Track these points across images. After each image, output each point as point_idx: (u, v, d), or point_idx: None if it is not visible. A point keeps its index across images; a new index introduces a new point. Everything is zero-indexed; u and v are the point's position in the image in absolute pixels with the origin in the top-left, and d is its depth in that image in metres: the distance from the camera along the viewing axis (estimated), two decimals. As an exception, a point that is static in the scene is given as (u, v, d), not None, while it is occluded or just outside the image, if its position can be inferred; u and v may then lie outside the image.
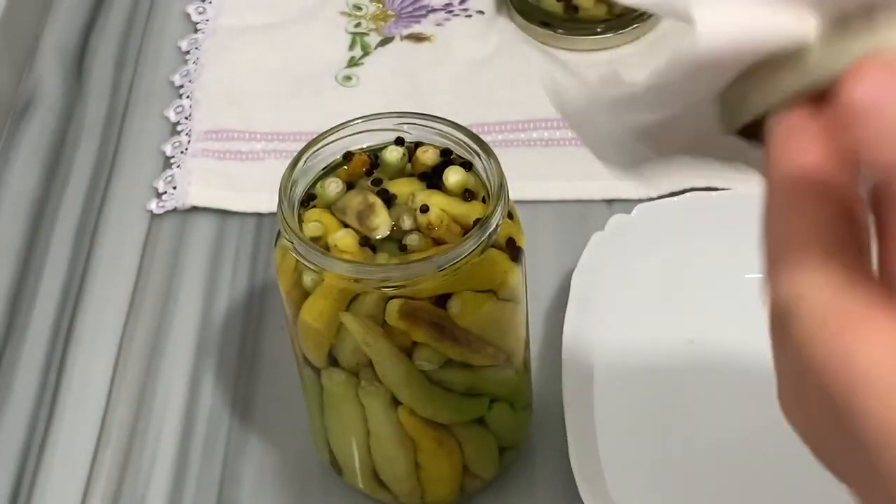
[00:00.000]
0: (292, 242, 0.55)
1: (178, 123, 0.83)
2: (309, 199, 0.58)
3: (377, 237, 0.56)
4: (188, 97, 0.84)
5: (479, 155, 0.58)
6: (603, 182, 0.78)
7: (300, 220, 0.57)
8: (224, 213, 0.78)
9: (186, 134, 0.82)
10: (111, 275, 0.75)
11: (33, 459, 0.67)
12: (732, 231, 0.72)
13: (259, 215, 0.78)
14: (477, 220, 0.56)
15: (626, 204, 0.75)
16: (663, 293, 0.71)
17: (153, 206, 0.78)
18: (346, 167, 0.59)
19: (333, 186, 0.58)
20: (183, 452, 0.67)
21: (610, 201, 0.77)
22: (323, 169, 0.59)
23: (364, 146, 0.59)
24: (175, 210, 0.78)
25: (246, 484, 0.66)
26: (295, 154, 0.58)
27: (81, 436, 0.68)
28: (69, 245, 0.77)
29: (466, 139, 0.58)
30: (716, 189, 0.75)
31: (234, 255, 0.76)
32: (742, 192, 0.74)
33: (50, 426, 0.68)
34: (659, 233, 0.72)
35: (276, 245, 0.58)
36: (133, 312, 0.73)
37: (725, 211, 0.72)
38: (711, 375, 0.68)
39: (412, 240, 0.56)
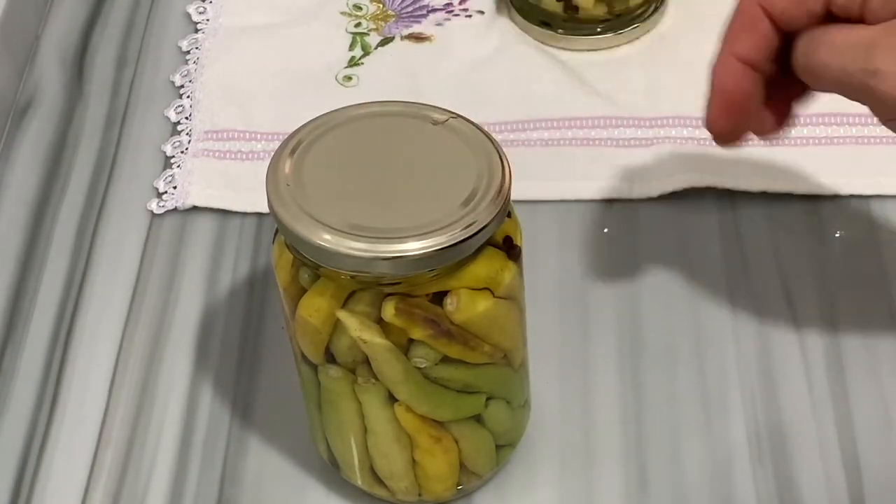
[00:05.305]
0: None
1: (178, 123, 0.83)
2: None
3: None
4: (188, 97, 0.84)
5: None
6: (603, 182, 0.78)
7: None
8: (224, 213, 0.78)
9: (187, 134, 0.82)
10: (111, 275, 0.75)
11: (34, 459, 0.67)
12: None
13: (259, 215, 0.78)
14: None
15: (626, 204, 0.75)
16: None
17: (153, 205, 0.78)
18: None
19: None
20: (183, 452, 0.67)
21: (610, 201, 0.77)
22: None
23: None
24: (175, 210, 0.78)
25: (246, 484, 0.66)
26: None
27: (82, 436, 0.68)
28: (69, 245, 0.77)
29: None
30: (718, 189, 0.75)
31: (235, 255, 0.76)
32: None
33: (50, 426, 0.68)
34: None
35: (273, 241, 0.58)
36: (133, 312, 0.73)
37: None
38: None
39: None
